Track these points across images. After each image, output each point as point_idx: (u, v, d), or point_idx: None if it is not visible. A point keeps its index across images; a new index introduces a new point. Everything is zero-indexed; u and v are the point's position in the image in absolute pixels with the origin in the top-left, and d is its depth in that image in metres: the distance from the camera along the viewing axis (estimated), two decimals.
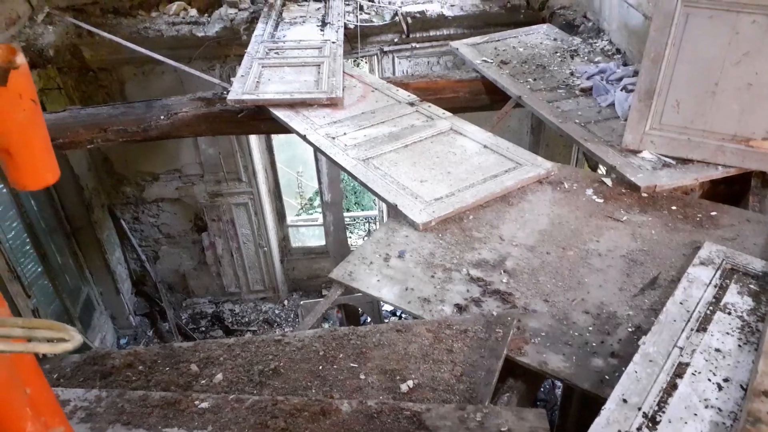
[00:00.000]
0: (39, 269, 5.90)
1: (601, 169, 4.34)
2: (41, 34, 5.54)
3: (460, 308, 2.55)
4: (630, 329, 2.41)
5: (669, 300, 2.40)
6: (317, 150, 3.78)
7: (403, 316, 6.24)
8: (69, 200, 6.48)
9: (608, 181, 3.28)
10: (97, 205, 6.88)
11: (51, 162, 0.84)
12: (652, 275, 2.68)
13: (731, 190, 3.34)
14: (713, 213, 3.04)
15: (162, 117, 4.23)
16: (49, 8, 5.76)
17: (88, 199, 6.62)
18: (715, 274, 2.50)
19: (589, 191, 3.23)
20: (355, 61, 6.37)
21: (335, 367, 2.22)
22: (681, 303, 2.37)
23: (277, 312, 7.94)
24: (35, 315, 5.51)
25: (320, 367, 2.23)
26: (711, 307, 2.33)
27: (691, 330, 2.23)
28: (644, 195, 3.17)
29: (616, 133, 3.57)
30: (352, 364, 2.23)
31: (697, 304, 2.35)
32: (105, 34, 5.41)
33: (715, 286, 2.44)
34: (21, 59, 0.75)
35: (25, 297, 5.43)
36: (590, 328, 2.43)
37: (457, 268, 2.77)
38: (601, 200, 3.17)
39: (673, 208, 3.08)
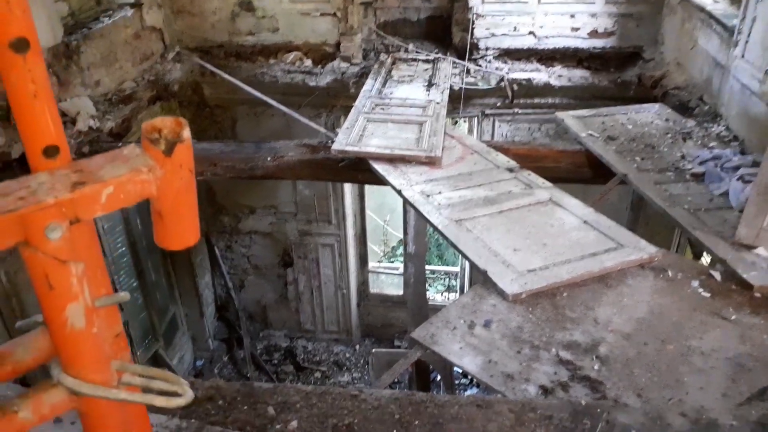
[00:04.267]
0: (135, 284, 6.26)
1: (706, 258, 4.08)
2: (169, 71, 6.04)
3: (545, 390, 2.44)
4: None
5: None
6: (410, 206, 3.82)
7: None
8: None
9: (717, 275, 3.08)
10: None
11: (194, 226, 0.90)
12: (762, 385, 2.46)
13: None
14: None
15: (269, 158, 4.44)
16: (180, 48, 6.29)
17: None
18: None
19: (695, 283, 3.04)
20: (453, 119, 6.45)
21: None
22: None
23: (347, 355, 7.95)
24: (125, 327, 5.80)
25: (394, 431, 2.19)
26: None
27: None
28: (757, 295, 2.95)
29: (729, 225, 3.36)
30: None
31: None
32: (225, 76, 5.83)
33: None
34: (186, 133, 0.81)
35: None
36: None
37: (545, 347, 2.67)
38: (708, 294, 2.97)
39: None
